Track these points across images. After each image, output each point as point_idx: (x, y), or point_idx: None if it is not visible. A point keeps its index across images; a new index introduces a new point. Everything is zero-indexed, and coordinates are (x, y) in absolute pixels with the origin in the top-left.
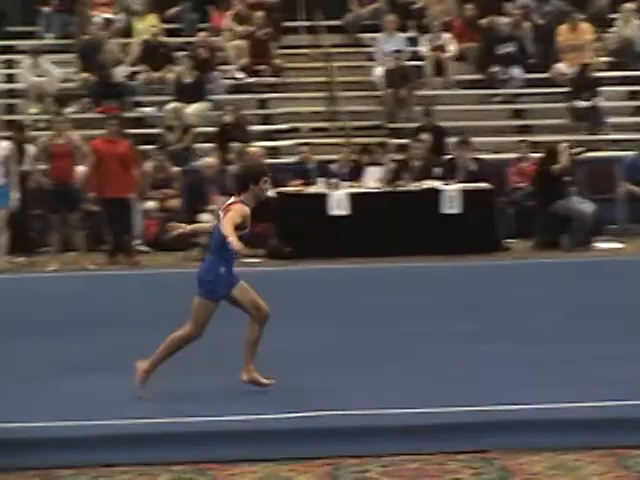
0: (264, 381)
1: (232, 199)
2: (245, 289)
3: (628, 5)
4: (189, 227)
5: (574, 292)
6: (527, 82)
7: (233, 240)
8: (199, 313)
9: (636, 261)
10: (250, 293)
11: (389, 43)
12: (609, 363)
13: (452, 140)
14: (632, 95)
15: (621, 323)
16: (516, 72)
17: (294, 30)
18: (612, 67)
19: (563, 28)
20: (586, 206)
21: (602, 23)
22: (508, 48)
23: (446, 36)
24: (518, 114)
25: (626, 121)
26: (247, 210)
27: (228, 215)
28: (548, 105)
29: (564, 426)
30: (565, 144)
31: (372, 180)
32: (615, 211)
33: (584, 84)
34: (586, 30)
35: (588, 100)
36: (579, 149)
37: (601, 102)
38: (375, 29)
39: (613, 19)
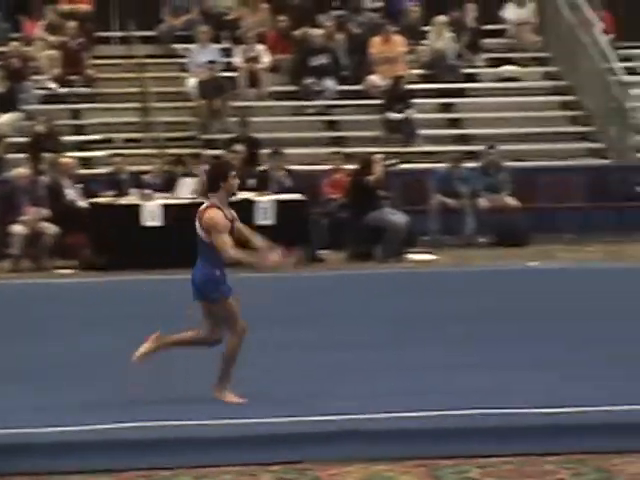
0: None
1: (205, 203)
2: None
3: (440, 18)
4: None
5: (388, 303)
6: (340, 94)
7: (242, 257)
8: (225, 315)
9: (448, 272)
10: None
11: (202, 54)
12: (424, 373)
13: (266, 151)
14: (444, 107)
15: (435, 333)
16: (329, 84)
17: (107, 40)
18: (425, 79)
19: (376, 40)
20: (399, 217)
21: (414, 35)
22: (321, 60)
23: (260, 47)
24: (331, 126)
25: (438, 133)
26: (221, 214)
27: (215, 233)
28: (361, 117)
29: (376, 436)
30: (379, 156)
31: (186, 191)
32: (428, 222)
33: (397, 96)
34: (399, 42)
35: (401, 112)
36: (392, 161)
37: (414, 114)
38: (188, 40)
39: (425, 32)
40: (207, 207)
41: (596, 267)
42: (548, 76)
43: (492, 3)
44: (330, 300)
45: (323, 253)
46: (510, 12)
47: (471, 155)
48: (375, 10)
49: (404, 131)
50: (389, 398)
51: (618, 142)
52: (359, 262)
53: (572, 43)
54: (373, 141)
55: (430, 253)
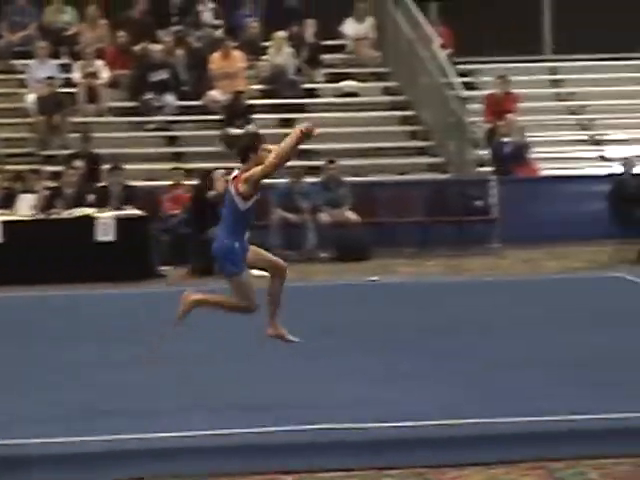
0: (290, 337)
1: (236, 172)
2: (256, 251)
3: (279, 33)
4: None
5: (226, 318)
6: (180, 109)
7: (290, 141)
8: (239, 290)
9: (289, 287)
10: (263, 254)
11: (41, 70)
12: (263, 386)
13: (105, 167)
14: (285, 122)
15: (273, 348)
16: (169, 99)
17: None
18: (265, 95)
19: (215, 56)
20: None
21: (254, 51)
22: (161, 75)
23: (99, 63)
24: (172, 141)
25: None
26: None
27: (263, 169)
28: (202, 132)
29: (205, 452)
30: (220, 171)
31: (25, 208)
32: (269, 237)
33: (237, 111)
34: (238, 58)
35: (241, 127)
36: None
37: (254, 129)
38: (27, 55)
39: (265, 47)
40: (242, 171)
41: (436, 281)
42: (387, 91)
43: (331, 18)
44: (170, 315)
45: (164, 269)
46: (349, 27)
47: (312, 170)
48: (215, 26)
49: None
50: (228, 413)
51: (457, 156)
52: (200, 278)
53: (411, 58)
54: (213, 156)
55: None
